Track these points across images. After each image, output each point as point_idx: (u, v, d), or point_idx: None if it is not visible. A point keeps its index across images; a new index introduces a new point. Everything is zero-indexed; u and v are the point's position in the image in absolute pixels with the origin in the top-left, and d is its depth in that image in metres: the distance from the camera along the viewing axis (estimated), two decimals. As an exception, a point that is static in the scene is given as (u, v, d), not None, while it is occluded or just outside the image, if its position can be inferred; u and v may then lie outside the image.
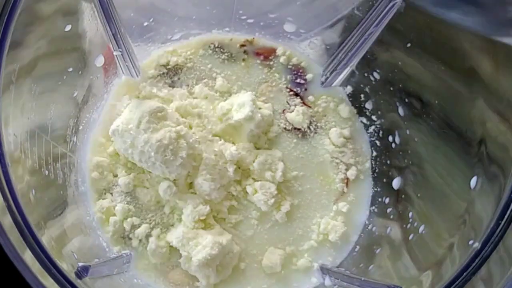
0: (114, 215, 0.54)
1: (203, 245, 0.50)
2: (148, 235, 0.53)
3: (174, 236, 0.52)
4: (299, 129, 0.57)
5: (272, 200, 0.54)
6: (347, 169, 0.56)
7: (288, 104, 0.58)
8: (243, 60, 0.59)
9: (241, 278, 0.54)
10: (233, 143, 0.56)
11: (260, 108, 0.56)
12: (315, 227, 0.55)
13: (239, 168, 0.55)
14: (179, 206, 0.53)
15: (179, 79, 0.58)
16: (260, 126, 0.55)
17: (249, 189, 0.55)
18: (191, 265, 0.51)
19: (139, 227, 0.53)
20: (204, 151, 0.53)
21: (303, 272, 0.54)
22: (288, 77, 0.58)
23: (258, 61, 0.59)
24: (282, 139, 0.57)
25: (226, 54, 0.59)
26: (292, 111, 0.57)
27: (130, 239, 0.53)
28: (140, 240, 0.53)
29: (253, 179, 0.55)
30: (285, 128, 0.57)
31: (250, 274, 0.54)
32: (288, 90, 0.58)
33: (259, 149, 0.56)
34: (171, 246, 0.53)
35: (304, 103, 0.58)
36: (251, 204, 0.55)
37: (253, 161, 0.55)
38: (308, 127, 0.57)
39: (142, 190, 0.54)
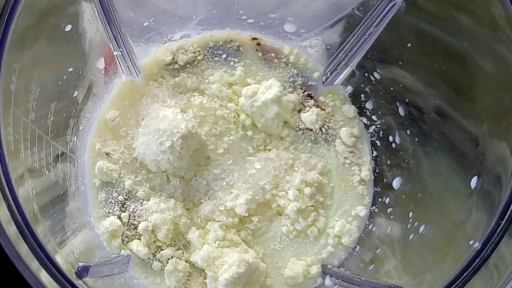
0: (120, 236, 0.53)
1: (229, 264, 0.49)
2: (169, 257, 0.52)
3: (199, 257, 0.51)
4: (311, 130, 0.56)
5: (304, 206, 0.53)
6: (360, 170, 0.56)
7: (303, 104, 0.57)
8: (256, 50, 0.58)
9: None
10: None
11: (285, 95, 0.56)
12: (331, 230, 0.54)
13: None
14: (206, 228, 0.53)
15: (189, 73, 0.57)
16: (287, 109, 0.54)
17: (281, 201, 0.54)
18: (218, 284, 0.50)
19: (163, 249, 0.52)
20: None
21: (315, 277, 0.53)
22: (301, 79, 0.58)
23: (273, 55, 0.58)
24: (298, 144, 0.56)
25: (238, 42, 0.57)
26: (307, 111, 0.56)
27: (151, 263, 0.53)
28: (161, 262, 0.52)
29: (285, 191, 0.54)
30: (298, 127, 0.56)
31: None
32: (302, 90, 0.57)
33: (271, 135, 0.56)
34: (190, 269, 0.52)
35: (317, 105, 0.57)
36: (284, 215, 0.54)
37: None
38: (320, 129, 0.57)
39: (157, 227, 0.52)
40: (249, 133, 0.55)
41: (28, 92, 0.44)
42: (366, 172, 0.56)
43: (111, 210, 0.53)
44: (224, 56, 0.57)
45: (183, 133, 0.50)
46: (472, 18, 0.44)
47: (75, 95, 0.52)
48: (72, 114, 0.52)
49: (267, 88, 0.54)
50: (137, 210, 0.53)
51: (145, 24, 0.56)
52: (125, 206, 0.54)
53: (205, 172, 0.54)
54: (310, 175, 0.54)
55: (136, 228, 0.53)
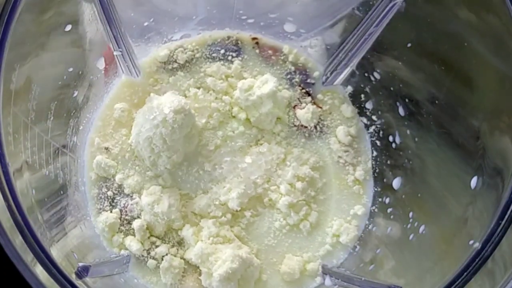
0: (119, 232, 0.53)
1: (223, 260, 0.50)
2: (164, 254, 0.52)
3: (193, 253, 0.51)
4: (305, 127, 0.57)
5: (295, 200, 0.53)
6: (354, 170, 0.56)
7: (300, 101, 0.57)
8: (253, 47, 0.58)
9: None
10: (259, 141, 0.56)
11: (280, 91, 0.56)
12: (329, 229, 0.54)
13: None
14: (199, 225, 0.53)
15: (187, 72, 0.57)
16: (280, 106, 0.55)
17: (273, 196, 0.54)
18: (212, 281, 0.50)
19: (157, 246, 0.52)
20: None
21: (313, 275, 0.53)
22: (299, 77, 0.58)
23: (270, 52, 0.58)
24: (291, 139, 0.56)
25: (236, 35, 0.58)
26: (303, 108, 0.57)
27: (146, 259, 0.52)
28: (156, 259, 0.52)
29: (277, 186, 0.54)
30: (293, 123, 0.56)
31: (271, 284, 0.53)
32: (300, 88, 0.58)
33: (263, 131, 0.56)
34: (185, 265, 0.52)
35: (314, 103, 0.57)
36: (276, 210, 0.54)
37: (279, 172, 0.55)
38: (315, 127, 0.57)
39: (151, 226, 0.52)
40: (241, 128, 0.55)
41: (28, 92, 0.44)
42: (360, 172, 0.55)
43: (101, 206, 0.53)
44: (222, 51, 0.58)
45: (175, 107, 0.50)
46: (472, 17, 0.44)
47: (75, 95, 0.52)
48: (72, 114, 0.52)
49: (263, 83, 0.54)
50: (127, 205, 0.53)
51: (145, 24, 0.56)
52: (115, 201, 0.53)
53: (199, 166, 0.54)
54: (302, 170, 0.54)
55: (129, 223, 0.53)
